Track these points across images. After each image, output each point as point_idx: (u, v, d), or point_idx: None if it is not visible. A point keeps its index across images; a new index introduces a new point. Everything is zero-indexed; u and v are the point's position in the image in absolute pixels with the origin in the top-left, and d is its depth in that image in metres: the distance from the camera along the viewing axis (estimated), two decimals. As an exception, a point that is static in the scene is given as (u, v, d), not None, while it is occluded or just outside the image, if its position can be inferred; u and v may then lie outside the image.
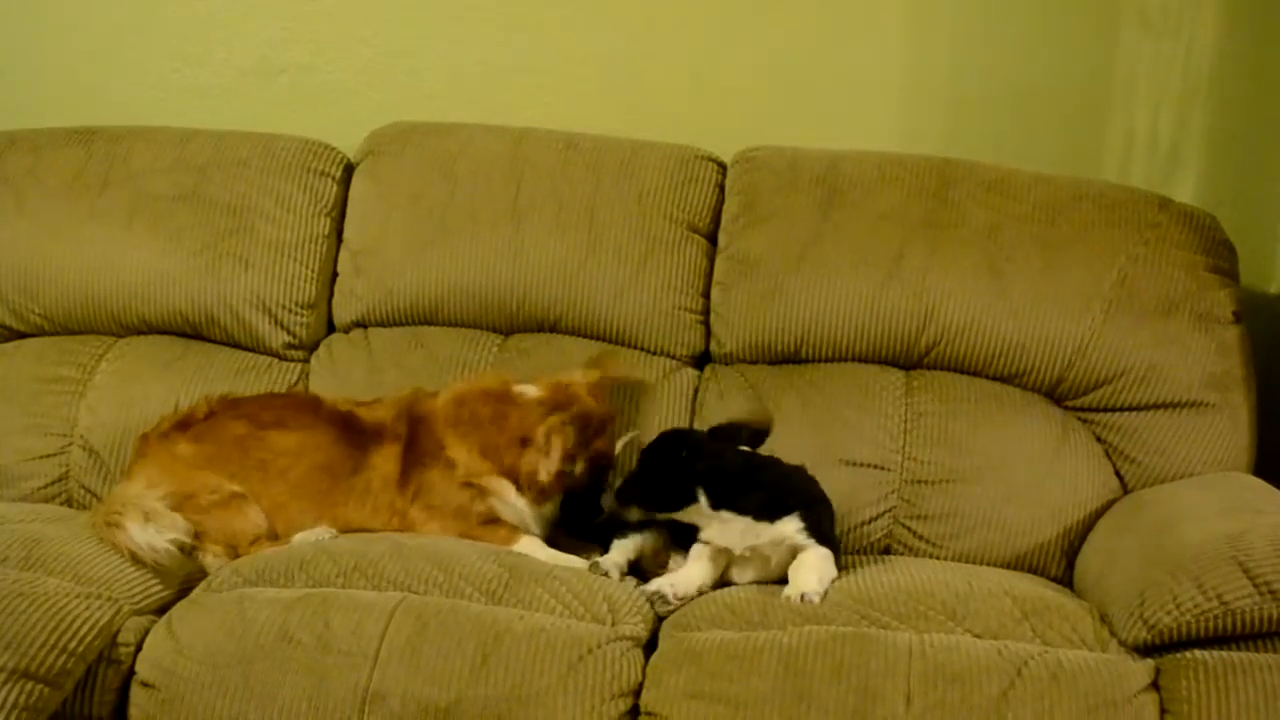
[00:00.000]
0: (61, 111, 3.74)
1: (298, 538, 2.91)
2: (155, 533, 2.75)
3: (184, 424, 3.06)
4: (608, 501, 3.00)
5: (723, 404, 3.28)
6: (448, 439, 3.00)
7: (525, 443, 2.95)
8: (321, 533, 2.91)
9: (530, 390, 3.04)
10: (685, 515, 2.80)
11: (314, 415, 3.09)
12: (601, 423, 3.01)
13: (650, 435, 3.21)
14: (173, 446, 3.01)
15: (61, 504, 3.29)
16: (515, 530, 2.96)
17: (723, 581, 2.84)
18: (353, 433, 3.05)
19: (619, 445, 3.12)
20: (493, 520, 2.97)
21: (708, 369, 3.41)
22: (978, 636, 2.54)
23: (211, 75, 3.80)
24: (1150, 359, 3.17)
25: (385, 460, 3.01)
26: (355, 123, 3.64)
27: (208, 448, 3.00)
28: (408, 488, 2.98)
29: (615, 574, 2.81)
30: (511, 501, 2.97)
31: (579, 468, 2.97)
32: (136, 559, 2.74)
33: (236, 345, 3.47)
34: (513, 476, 2.97)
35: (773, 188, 3.39)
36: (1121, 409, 3.20)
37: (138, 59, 3.81)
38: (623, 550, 2.89)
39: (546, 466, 2.93)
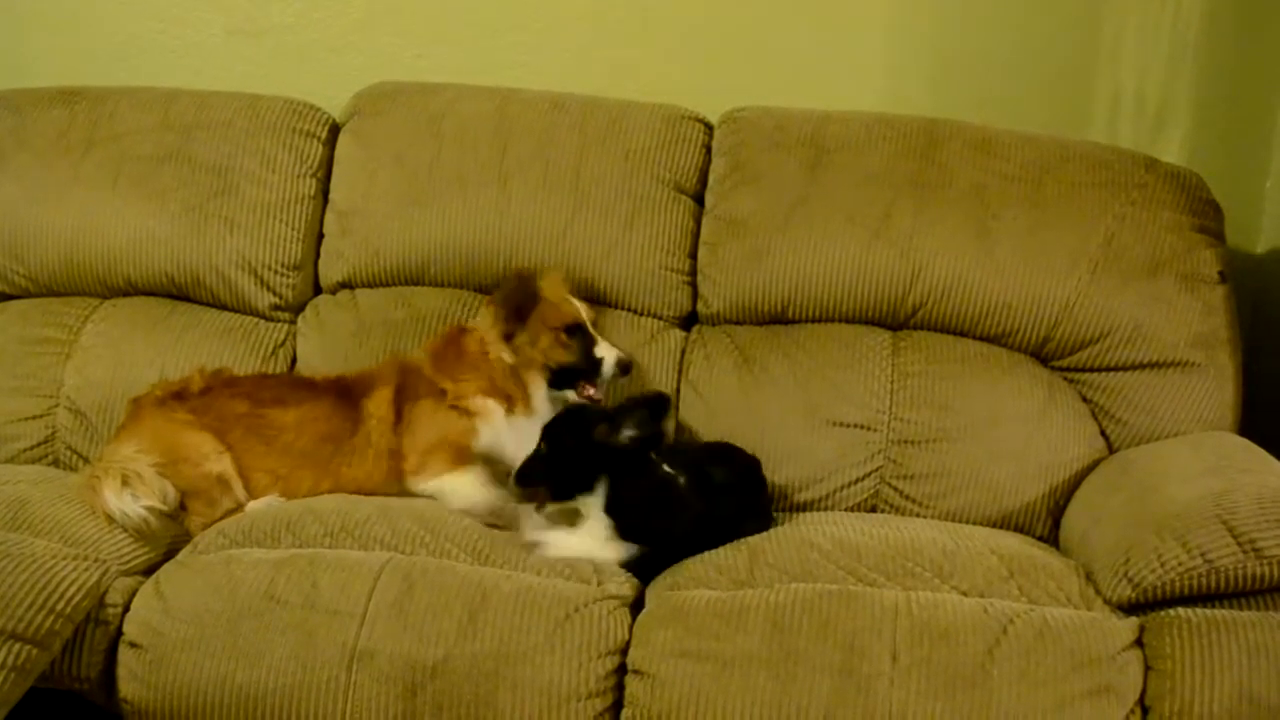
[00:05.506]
0: (45, 72, 3.73)
1: (250, 506, 2.91)
2: (130, 499, 2.75)
3: (180, 395, 3.05)
4: (605, 352, 3.08)
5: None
6: (437, 378, 3.07)
7: (486, 353, 3.08)
8: (271, 500, 2.93)
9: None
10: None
11: (310, 390, 3.11)
12: (523, 286, 3.11)
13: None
14: (170, 415, 3.00)
15: (48, 465, 3.30)
16: (462, 461, 3.01)
17: None
18: (346, 394, 3.08)
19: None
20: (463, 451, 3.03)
21: (694, 329, 3.41)
22: (964, 594, 2.55)
23: (195, 35, 3.77)
24: (1136, 319, 3.18)
25: (378, 405, 3.05)
26: (340, 83, 3.63)
27: (209, 421, 3.00)
28: (400, 424, 3.03)
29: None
30: (497, 423, 3.03)
31: (541, 342, 3.07)
32: (113, 523, 2.74)
33: (223, 306, 3.47)
34: (502, 394, 3.05)
35: (760, 148, 3.38)
36: (1108, 369, 3.20)
37: (121, 19, 3.78)
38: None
39: (494, 345, 3.07)
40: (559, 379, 3.09)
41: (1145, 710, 2.38)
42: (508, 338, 3.09)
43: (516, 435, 3.02)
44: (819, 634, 2.42)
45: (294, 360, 3.42)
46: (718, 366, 3.29)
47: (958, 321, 3.26)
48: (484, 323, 3.13)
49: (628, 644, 2.51)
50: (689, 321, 3.43)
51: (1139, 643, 2.43)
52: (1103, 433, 3.18)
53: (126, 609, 2.58)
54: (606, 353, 3.09)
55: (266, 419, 3.03)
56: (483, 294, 3.41)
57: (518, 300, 3.10)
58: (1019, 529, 3.11)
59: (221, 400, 3.05)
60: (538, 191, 3.38)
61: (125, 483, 2.78)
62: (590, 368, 3.08)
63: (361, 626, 2.47)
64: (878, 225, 3.27)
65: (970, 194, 3.28)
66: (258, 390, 3.09)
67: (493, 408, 3.05)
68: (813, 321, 3.33)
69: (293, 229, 3.45)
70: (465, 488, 2.94)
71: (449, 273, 3.41)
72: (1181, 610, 2.44)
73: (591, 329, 3.14)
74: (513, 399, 3.07)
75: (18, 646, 2.38)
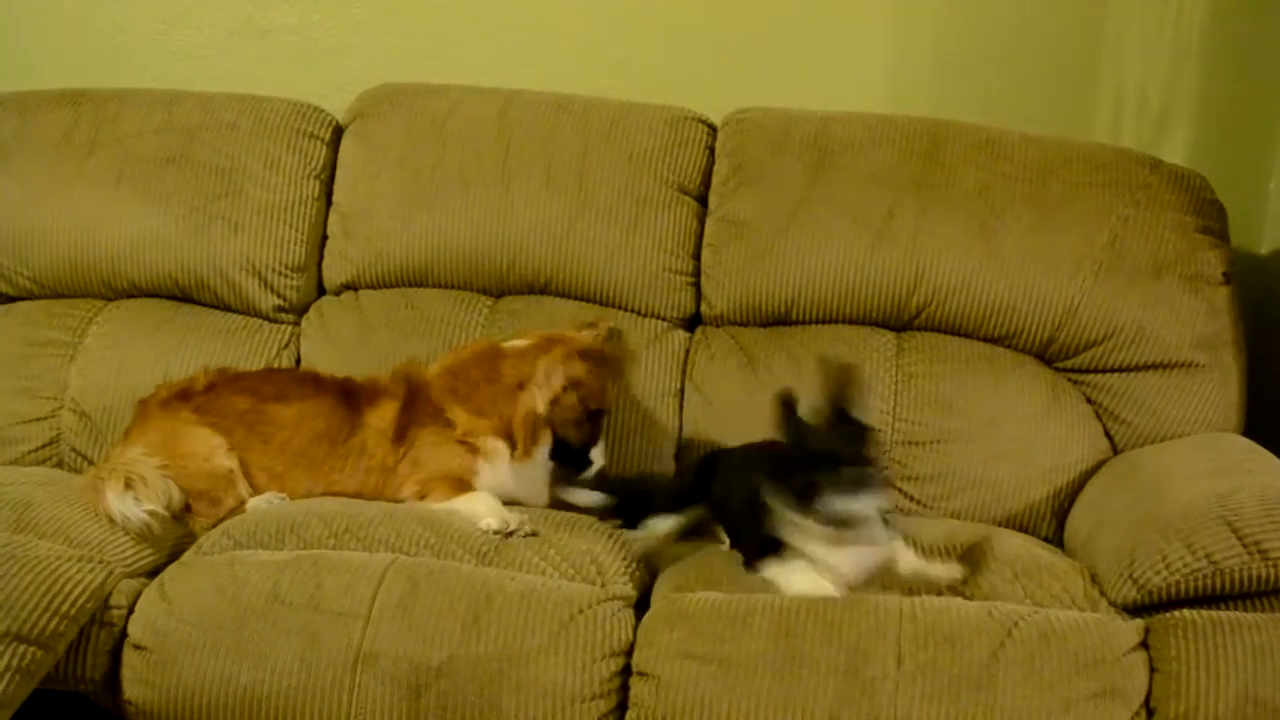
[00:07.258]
0: (48, 74, 3.73)
1: (250, 503, 2.91)
2: (133, 502, 2.74)
3: (185, 394, 3.04)
4: (598, 456, 2.96)
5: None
6: (445, 403, 2.99)
7: (522, 387, 2.95)
8: (271, 497, 2.92)
9: (520, 342, 3.04)
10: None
11: (314, 386, 3.09)
12: (606, 357, 2.96)
13: (639, 397, 3.23)
14: (175, 414, 3.00)
15: (53, 467, 3.29)
16: (464, 491, 2.92)
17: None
18: (350, 397, 3.05)
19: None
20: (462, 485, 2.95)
21: (698, 331, 3.40)
22: (969, 597, 2.55)
23: (197, 36, 3.77)
24: (1140, 320, 3.17)
25: (380, 418, 3.00)
26: (344, 84, 3.63)
27: (211, 419, 2.99)
28: (401, 443, 2.98)
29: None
30: (501, 465, 2.96)
31: (573, 408, 2.92)
32: (115, 525, 2.74)
33: (226, 308, 3.46)
34: (508, 434, 2.95)
35: (763, 149, 3.38)
36: (1112, 370, 3.20)
37: (124, 20, 3.77)
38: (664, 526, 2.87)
39: (544, 395, 2.92)
40: (557, 450, 2.97)
41: (1150, 712, 2.37)
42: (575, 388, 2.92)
43: (513, 478, 2.97)
44: (824, 637, 2.41)
45: (298, 362, 3.41)
46: (721, 368, 3.28)
47: (961, 322, 3.26)
48: (547, 364, 2.93)
49: (632, 645, 2.50)
50: (693, 323, 3.43)
51: (1144, 644, 2.43)
52: (1107, 434, 3.18)
53: (131, 610, 2.58)
54: (598, 459, 2.95)
55: (267, 415, 3.01)
56: (486, 295, 3.41)
57: (616, 365, 2.94)
58: (1023, 530, 3.10)
59: (225, 397, 3.04)
60: (541, 193, 3.37)
61: (129, 485, 2.77)
62: (582, 462, 2.96)
63: (366, 628, 2.47)
64: (881, 226, 3.26)
65: (974, 195, 3.27)
66: (261, 386, 3.08)
67: (501, 450, 2.96)
68: (816, 323, 3.32)
69: (296, 231, 3.44)
70: (482, 504, 2.84)
71: (452, 274, 3.41)
72: (1186, 612, 2.43)
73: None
74: (516, 443, 2.96)
75: (22, 648, 2.38)
